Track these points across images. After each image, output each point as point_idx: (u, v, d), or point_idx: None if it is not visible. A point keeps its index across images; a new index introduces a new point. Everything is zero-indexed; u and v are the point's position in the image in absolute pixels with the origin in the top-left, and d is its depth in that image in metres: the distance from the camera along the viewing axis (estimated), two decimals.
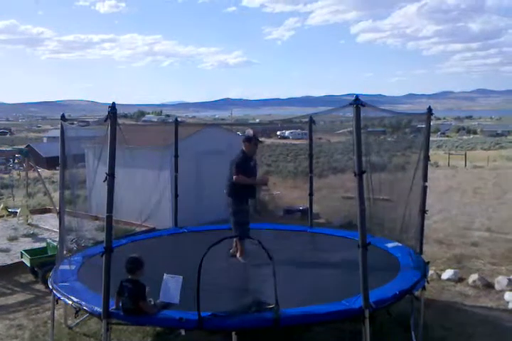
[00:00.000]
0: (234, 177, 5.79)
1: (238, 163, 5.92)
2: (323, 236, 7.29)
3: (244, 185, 5.91)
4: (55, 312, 5.36)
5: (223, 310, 4.00)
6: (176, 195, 7.82)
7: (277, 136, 74.23)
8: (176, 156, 7.82)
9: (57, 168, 5.78)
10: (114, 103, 4.18)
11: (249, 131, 6.21)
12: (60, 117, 5.48)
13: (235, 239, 5.96)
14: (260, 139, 6.28)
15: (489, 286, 6.75)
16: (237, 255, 6.02)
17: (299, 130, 65.45)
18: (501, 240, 9.44)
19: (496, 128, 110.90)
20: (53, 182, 18.37)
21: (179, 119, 8.39)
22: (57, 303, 5.16)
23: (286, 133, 74.31)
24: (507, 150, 48.36)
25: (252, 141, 6.05)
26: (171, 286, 4.15)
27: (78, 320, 5.56)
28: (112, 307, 4.13)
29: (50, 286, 5.04)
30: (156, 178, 9.69)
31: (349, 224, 9.22)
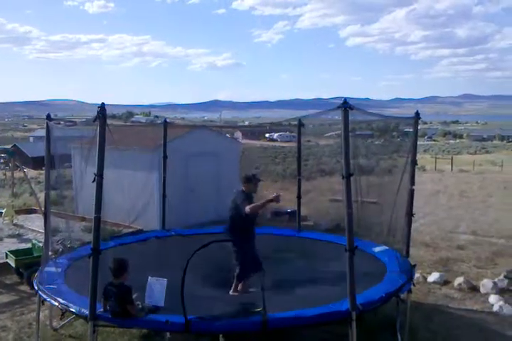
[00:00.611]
0: (246, 208, 5.46)
1: (241, 198, 5.67)
2: (310, 240, 7.30)
3: (245, 225, 5.65)
4: (40, 313, 5.31)
5: (211, 313, 3.99)
6: (164, 196, 7.78)
7: (266, 138, 74.36)
8: (165, 157, 7.79)
9: (43, 168, 5.73)
10: (103, 103, 4.15)
11: (246, 174, 5.99)
12: (46, 117, 5.43)
13: (234, 282, 5.63)
14: (256, 177, 5.93)
15: (474, 289, 6.82)
16: (231, 291, 5.56)
17: (287, 132, 65.59)
18: (486, 243, 9.56)
19: (481, 133, 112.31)
20: (39, 182, 18.16)
21: (168, 120, 8.37)
22: (42, 305, 5.10)
23: (275, 135, 74.48)
24: (492, 155, 49.02)
25: (252, 181, 5.85)
26: (156, 289, 4.13)
27: (63, 322, 5.50)
28: (100, 310, 4.09)
29: (36, 287, 4.99)
30: (144, 179, 9.65)
31: (337, 227, 9.26)
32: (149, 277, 4.21)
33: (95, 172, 4.01)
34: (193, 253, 3.86)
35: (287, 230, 7.83)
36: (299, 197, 7.85)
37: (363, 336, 4.24)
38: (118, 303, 4.02)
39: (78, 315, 4.33)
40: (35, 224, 10.84)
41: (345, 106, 4.12)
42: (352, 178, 4.14)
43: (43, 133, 5.90)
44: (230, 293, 5.44)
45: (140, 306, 4.10)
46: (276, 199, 5.48)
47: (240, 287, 5.51)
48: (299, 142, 7.94)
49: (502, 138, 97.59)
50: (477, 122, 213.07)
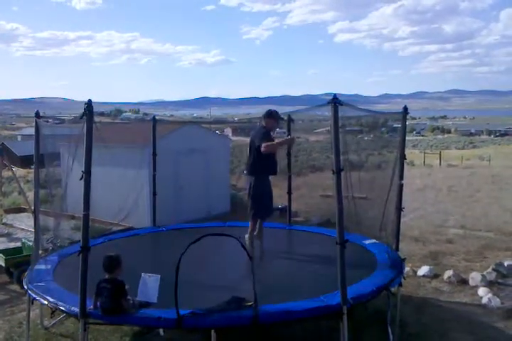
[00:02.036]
0: (262, 146, 5.59)
1: (260, 135, 5.78)
2: (301, 233, 7.34)
3: (265, 161, 5.79)
4: (31, 312, 5.28)
5: (202, 308, 3.99)
6: (154, 194, 7.76)
7: None
8: (154, 154, 7.76)
9: (31, 166, 5.68)
10: (90, 100, 4.12)
11: (269, 110, 6.04)
12: (34, 114, 5.39)
13: (250, 221, 5.98)
14: (278, 114, 6.05)
15: (463, 282, 6.90)
16: (246, 235, 5.96)
17: (277, 129, 65.54)
18: (475, 237, 9.67)
19: (469, 128, 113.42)
20: (28, 181, 18.01)
21: (157, 118, 8.33)
22: (32, 304, 5.08)
23: None
24: (480, 150, 49.51)
25: (274, 116, 5.94)
26: (149, 285, 4.12)
27: (54, 321, 5.48)
28: (90, 307, 4.08)
29: (26, 286, 4.95)
30: (133, 177, 9.60)
31: (327, 222, 9.30)
32: (142, 273, 4.20)
33: (83, 169, 3.99)
34: (186, 248, 3.85)
35: (277, 224, 7.86)
36: (289, 192, 7.86)
37: (353, 329, 4.27)
38: (112, 299, 4.01)
39: (68, 314, 4.30)
40: (24, 223, 10.76)
41: (335, 101, 4.14)
42: (342, 173, 4.17)
43: (31, 131, 5.86)
44: (245, 236, 5.81)
45: (131, 301, 4.09)
46: (292, 140, 5.72)
47: (250, 227, 5.88)
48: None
49: (489, 132, 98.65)
50: (465, 117, 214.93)
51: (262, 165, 5.81)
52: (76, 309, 4.06)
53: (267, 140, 5.72)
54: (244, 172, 5.93)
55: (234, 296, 4.15)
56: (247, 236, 5.98)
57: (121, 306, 4.01)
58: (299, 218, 10.92)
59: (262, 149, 5.58)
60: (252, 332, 4.74)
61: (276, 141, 5.74)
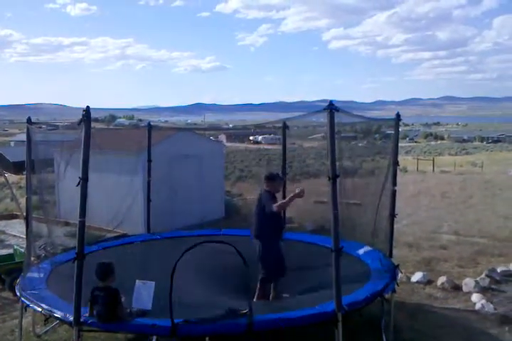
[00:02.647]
0: (273, 206, 5.38)
1: (267, 198, 5.56)
2: (295, 241, 7.32)
3: (272, 224, 5.57)
4: (23, 320, 5.23)
5: (196, 315, 3.98)
6: (149, 200, 7.74)
7: (250, 140, 74.36)
8: (149, 161, 7.75)
9: (24, 172, 5.66)
10: (88, 107, 4.13)
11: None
12: (26, 121, 5.37)
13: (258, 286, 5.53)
14: (279, 176, 5.89)
15: (457, 288, 6.91)
16: (254, 299, 5.39)
17: (272, 135, 65.70)
18: (468, 243, 9.70)
19: (462, 134, 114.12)
20: (20, 187, 17.87)
21: (151, 124, 8.33)
22: (25, 311, 5.04)
23: (259, 138, 74.55)
24: (473, 156, 49.82)
25: (276, 179, 5.76)
26: (143, 292, 4.11)
27: (47, 328, 5.43)
28: (85, 314, 4.05)
29: (18, 293, 4.92)
30: (128, 183, 9.58)
31: (321, 229, 9.30)
32: (137, 280, 4.19)
33: (80, 175, 3.98)
34: (181, 255, 3.85)
35: None
36: (283, 198, 7.85)
37: (348, 336, 4.27)
38: (106, 306, 3.98)
39: (63, 321, 4.27)
40: (16, 229, 10.70)
41: (331, 108, 4.17)
42: (337, 180, 4.19)
43: (24, 137, 5.83)
44: (254, 300, 5.13)
45: (128, 310, 4.07)
46: (301, 193, 5.46)
47: (258, 292, 5.38)
48: (283, 144, 7.96)
49: (482, 139, 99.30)
50: (458, 124, 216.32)
51: (269, 228, 5.56)
52: (70, 316, 4.04)
53: (274, 201, 5.52)
54: (250, 237, 5.68)
55: (229, 304, 4.15)
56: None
57: (116, 314, 3.99)
58: (294, 224, 10.91)
59: (275, 209, 5.38)
60: (247, 339, 4.71)
61: (287, 198, 5.61)
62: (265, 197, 5.58)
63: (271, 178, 5.71)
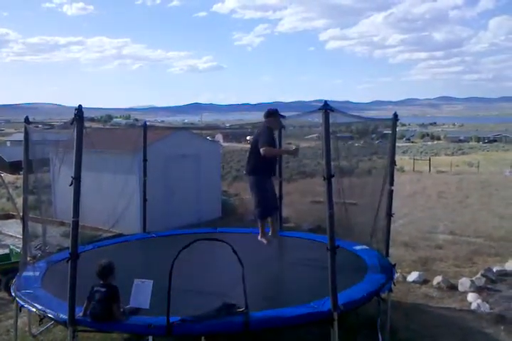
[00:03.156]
0: (261, 149, 5.55)
1: (264, 136, 5.71)
2: (292, 239, 7.34)
3: (265, 161, 5.74)
4: (19, 320, 5.22)
5: (192, 314, 3.97)
6: (145, 200, 7.73)
7: (247, 140, 74.38)
8: (145, 160, 7.74)
9: (20, 172, 5.63)
10: (80, 106, 4.12)
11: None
12: (23, 120, 5.36)
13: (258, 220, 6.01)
14: (279, 113, 6.00)
15: (453, 288, 6.92)
16: (259, 237, 6.03)
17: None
18: (464, 243, 9.73)
19: (458, 135, 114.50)
20: (17, 187, 17.84)
21: (148, 123, 8.31)
22: (20, 311, 5.02)
23: None
24: (469, 156, 49.98)
25: (275, 115, 5.90)
26: (141, 291, 4.10)
27: (42, 328, 5.41)
28: (79, 314, 4.04)
29: (13, 294, 4.90)
30: (123, 183, 9.55)
31: (318, 228, 9.32)
32: (135, 279, 4.18)
33: (72, 175, 3.97)
34: (178, 253, 3.84)
35: (268, 230, 7.84)
36: (280, 198, 7.86)
37: (343, 335, 4.27)
38: (103, 303, 3.97)
39: (57, 321, 4.25)
40: (12, 229, 10.67)
41: (326, 108, 4.17)
42: (333, 179, 4.19)
43: (20, 137, 5.81)
44: (258, 238, 5.95)
45: (122, 309, 4.06)
46: (296, 152, 5.76)
47: (260, 228, 5.92)
48: (279, 144, 7.95)
49: (478, 139, 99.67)
50: (454, 124, 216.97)
51: (262, 166, 5.77)
52: (64, 316, 4.02)
53: (270, 143, 5.70)
54: (244, 172, 5.94)
55: (225, 302, 4.14)
56: (261, 239, 6.11)
57: (112, 313, 3.98)
58: (290, 224, 10.91)
59: (262, 152, 5.56)
60: (243, 338, 4.71)
61: (281, 149, 5.76)
62: (264, 133, 5.72)
63: (271, 113, 5.86)
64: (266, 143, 5.59)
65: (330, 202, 4.11)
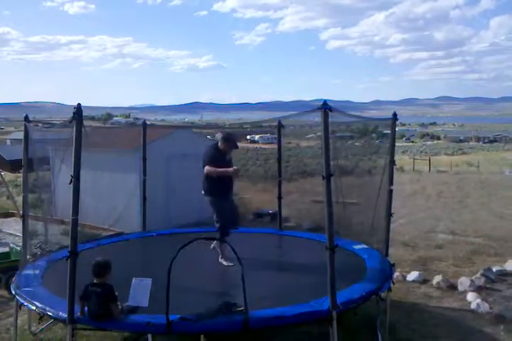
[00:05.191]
0: (205, 169, 5.71)
1: (208, 154, 5.85)
2: (291, 239, 7.34)
3: (219, 180, 5.81)
4: (19, 318, 5.22)
5: (192, 313, 3.98)
6: (145, 199, 7.73)
7: (247, 140, 74.38)
8: (144, 159, 7.74)
9: (21, 170, 5.63)
10: (79, 104, 4.11)
11: (219, 135, 6.19)
12: (23, 118, 5.36)
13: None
14: (234, 141, 6.17)
15: (452, 287, 6.93)
16: (219, 258, 5.99)
17: (268, 134, 65.74)
18: (464, 242, 9.73)
19: (458, 135, 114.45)
20: (17, 185, 17.84)
21: (148, 123, 8.31)
22: (20, 309, 5.02)
23: (256, 137, 74.57)
24: (469, 156, 49.96)
25: (229, 142, 6.01)
26: (140, 290, 4.11)
27: (42, 326, 5.42)
28: (77, 313, 4.04)
29: (13, 292, 4.90)
30: (123, 181, 9.56)
31: (318, 228, 9.31)
32: (134, 278, 4.18)
33: (72, 174, 3.97)
34: (177, 252, 3.84)
35: (268, 229, 7.87)
36: (279, 197, 7.87)
37: (342, 334, 4.28)
38: (101, 303, 3.98)
39: (56, 319, 4.26)
40: (12, 227, 10.67)
41: (325, 107, 4.16)
42: (332, 179, 4.19)
43: (20, 135, 5.82)
44: (219, 259, 5.90)
45: (120, 307, 4.07)
46: (235, 173, 5.85)
47: (218, 247, 5.95)
48: (279, 143, 7.96)
49: (478, 139, 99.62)
50: (454, 124, 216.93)
51: (216, 185, 5.85)
52: (64, 314, 4.02)
53: (213, 160, 5.79)
54: (202, 191, 6.03)
55: (224, 301, 4.15)
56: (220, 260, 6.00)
57: (110, 311, 3.98)
58: (290, 223, 10.92)
59: (205, 170, 5.76)
60: (242, 337, 4.71)
61: (220, 170, 5.80)
62: (208, 152, 5.90)
63: (226, 139, 6.01)
64: (208, 163, 5.76)
65: (329, 201, 4.12)
